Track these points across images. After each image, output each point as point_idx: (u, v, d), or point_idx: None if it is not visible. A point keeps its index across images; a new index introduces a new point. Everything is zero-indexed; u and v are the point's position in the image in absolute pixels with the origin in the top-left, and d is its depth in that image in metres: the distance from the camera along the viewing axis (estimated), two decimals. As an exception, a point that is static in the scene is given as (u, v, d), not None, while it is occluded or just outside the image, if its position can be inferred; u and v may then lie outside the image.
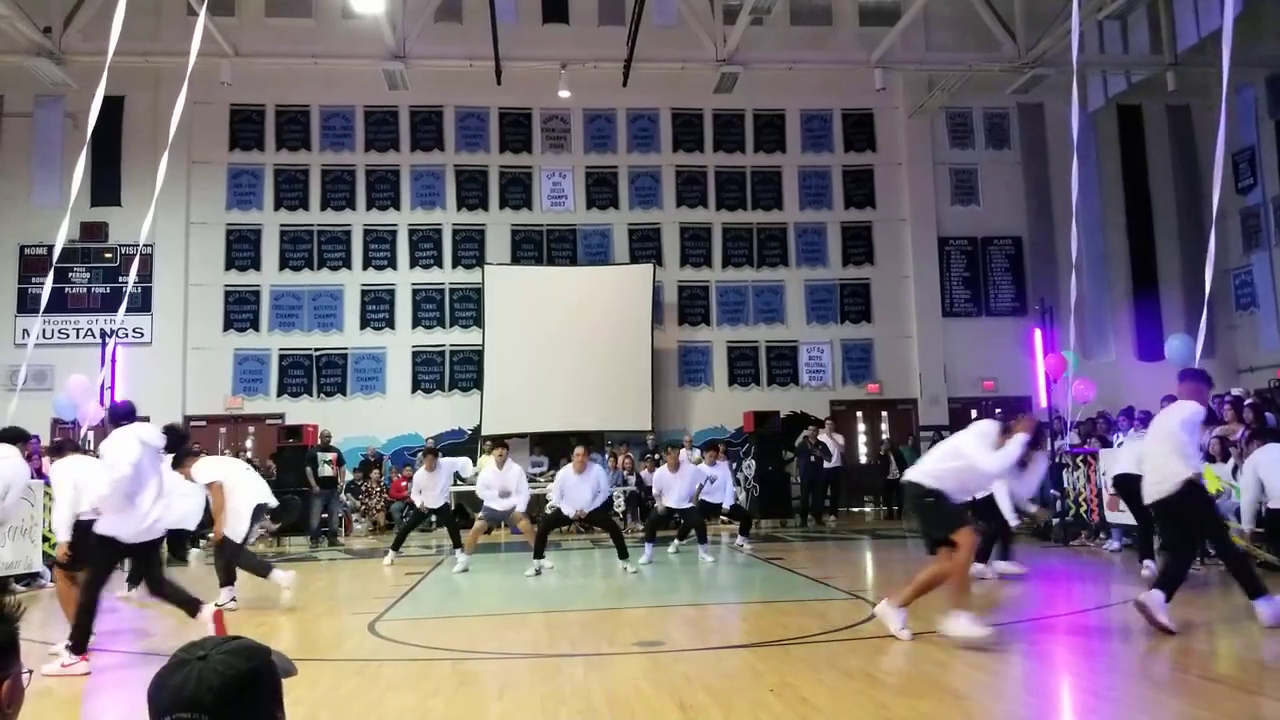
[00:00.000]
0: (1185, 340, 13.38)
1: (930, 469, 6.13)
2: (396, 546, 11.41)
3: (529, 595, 8.97)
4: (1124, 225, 19.56)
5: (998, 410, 17.99)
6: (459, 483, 16.90)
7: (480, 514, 10.82)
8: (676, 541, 11.68)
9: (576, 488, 10.17)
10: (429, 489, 11.22)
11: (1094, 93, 19.27)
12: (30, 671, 1.51)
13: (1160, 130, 19.69)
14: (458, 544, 10.90)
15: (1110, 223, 19.42)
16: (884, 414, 19.20)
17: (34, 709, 4.38)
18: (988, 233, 19.41)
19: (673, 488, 11.13)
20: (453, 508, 16.73)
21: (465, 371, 18.18)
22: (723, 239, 18.98)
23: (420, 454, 11.33)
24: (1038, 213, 19.31)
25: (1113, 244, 19.43)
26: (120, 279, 17.09)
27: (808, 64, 17.68)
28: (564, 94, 17.30)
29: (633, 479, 16.03)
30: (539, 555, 9.97)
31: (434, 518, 11.70)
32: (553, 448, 16.91)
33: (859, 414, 18.97)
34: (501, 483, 10.71)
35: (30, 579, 9.61)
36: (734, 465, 14.57)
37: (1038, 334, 16.94)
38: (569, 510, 10.19)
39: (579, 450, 10.42)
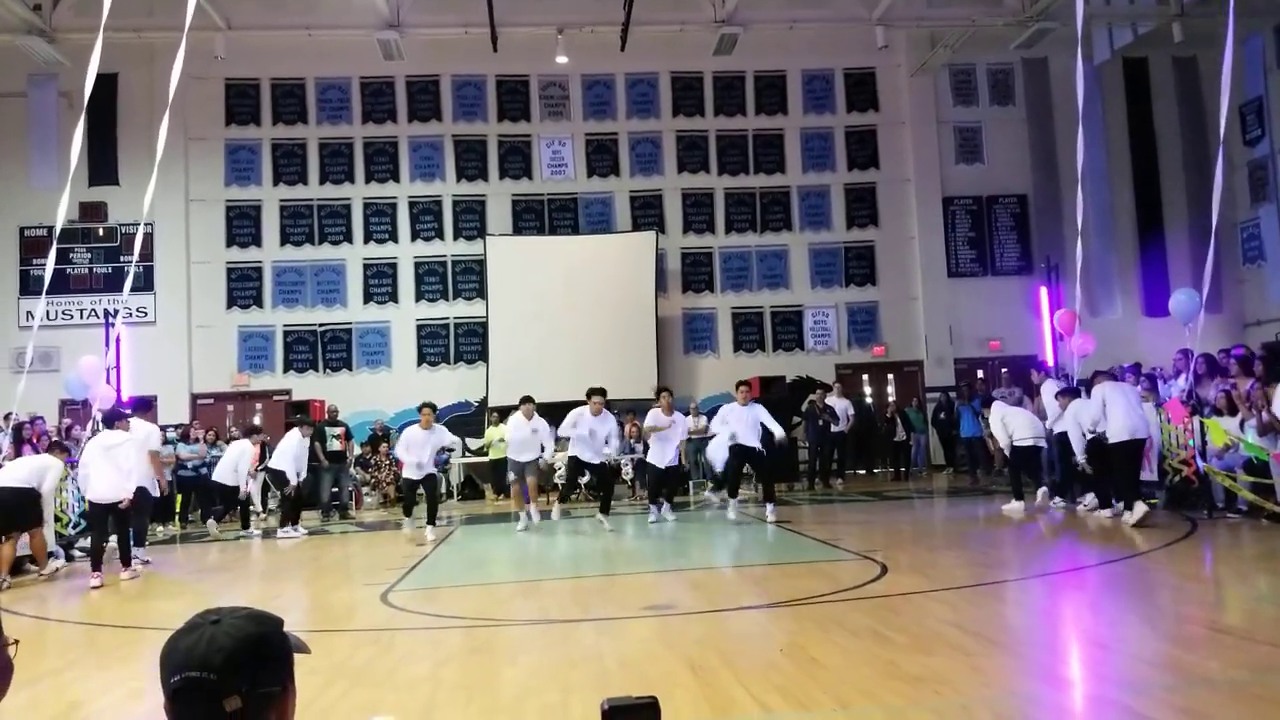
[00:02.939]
0: (1190, 294, 13.32)
1: None
2: (408, 512, 11.41)
3: (539, 563, 9.05)
4: (1130, 180, 19.42)
5: (1004, 370, 18.03)
6: (467, 454, 17.02)
7: (510, 472, 11.47)
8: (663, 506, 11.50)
9: (592, 427, 10.64)
10: (420, 449, 10.70)
11: (1099, 46, 19.05)
12: (16, 642, 1.53)
13: (1166, 83, 19.48)
14: (430, 519, 10.80)
15: (1116, 178, 19.28)
16: (890, 376, 19.18)
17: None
18: (993, 191, 19.29)
19: (666, 435, 11.16)
20: (461, 479, 16.99)
21: (470, 344, 18.20)
22: (725, 204, 18.89)
23: (418, 409, 11.02)
24: (1043, 170, 19.17)
25: (1119, 199, 19.31)
26: (122, 259, 17.10)
27: (808, 22, 17.50)
28: (561, 60, 17.17)
29: (640, 447, 16.06)
30: (564, 498, 10.90)
31: (421, 489, 11.02)
32: (559, 418, 16.90)
33: (865, 377, 18.96)
34: (530, 431, 11.30)
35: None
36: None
37: (1044, 292, 16.87)
38: (587, 454, 10.48)
39: (596, 399, 10.76)
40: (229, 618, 1.44)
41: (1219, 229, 9.91)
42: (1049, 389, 11.39)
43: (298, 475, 12.44)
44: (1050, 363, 15.11)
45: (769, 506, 10.63)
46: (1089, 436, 9.93)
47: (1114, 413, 9.33)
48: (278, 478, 12.51)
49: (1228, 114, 9.52)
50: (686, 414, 16.18)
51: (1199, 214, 18.28)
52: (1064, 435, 10.64)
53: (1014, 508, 10.81)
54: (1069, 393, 10.72)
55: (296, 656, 1.50)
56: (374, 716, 1.27)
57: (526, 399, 11.80)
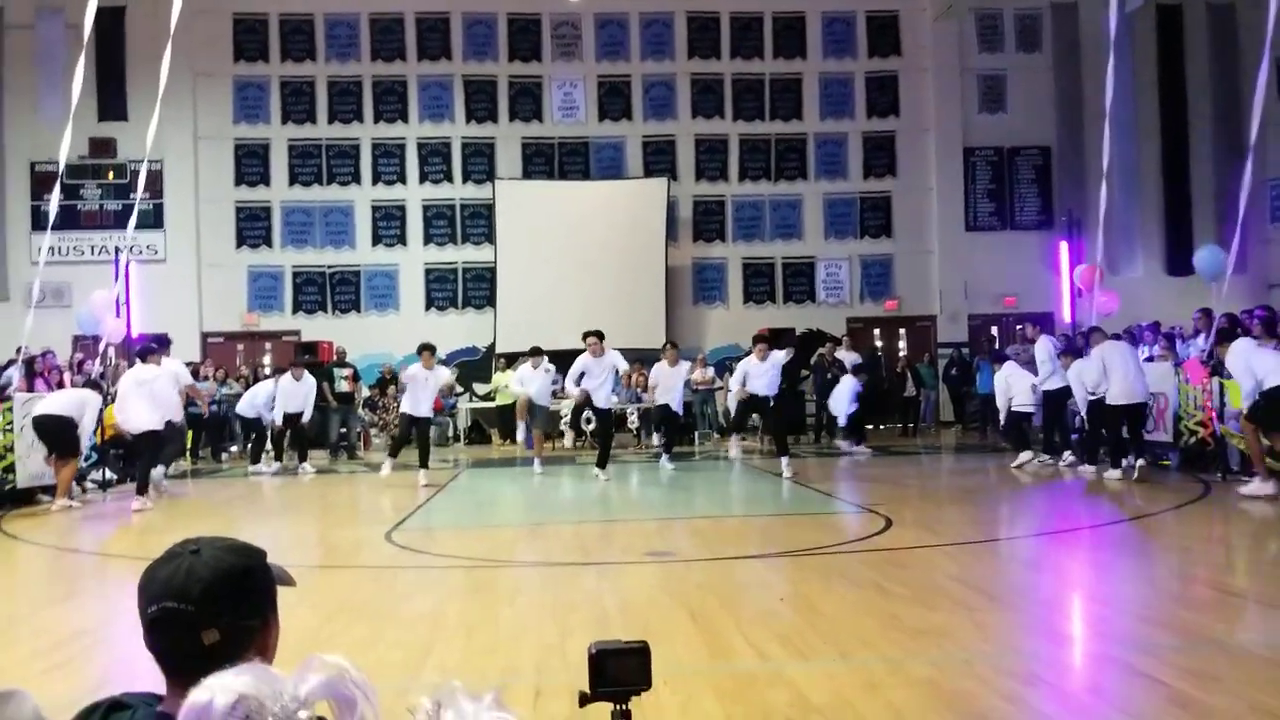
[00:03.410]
0: (1214, 251, 13.14)
1: None
2: (395, 453, 11.03)
3: (543, 507, 9.10)
4: (1157, 134, 18.92)
5: (1019, 327, 17.87)
6: (474, 399, 17.05)
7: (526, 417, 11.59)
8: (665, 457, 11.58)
9: (595, 369, 10.63)
10: (422, 390, 10.58)
11: (1133, -9, 18.53)
12: None
13: (1200, 33, 18.90)
14: (423, 462, 10.73)
15: (1143, 132, 18.81)
16: (902, 331, 19.04)
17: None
18: (1015, 142, 18.91)
19: (669, 386, 11.35)
20: (468, 424, 17.03)
21: (478, 289, 18.12)
22: (739, 151, 18.61)
23: (418, 351, 10.77)
24: (1068, 121, 18.74)
25: (1145, 154, 18.88)
26: (131, 195, 17.01)
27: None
28: (574, -3, 16.85)
29: (647, 396, 16.05)
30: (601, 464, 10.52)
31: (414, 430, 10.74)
32: (566, 365, 16.89)
33: (876, 331, 18.83)
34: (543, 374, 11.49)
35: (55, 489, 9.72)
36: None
37: (1064, 246, 16.65)
38: (596, 395, 10.61)
39: (593, 340, 10.73)
40: (209, 548, 1.40)
41: (1250, 186, 9.70)
42: (1043, 346, 11.25)
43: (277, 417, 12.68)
44: (1068, 319, 14.96)
45: (784, 460, 10.43)
46: (1091, 397, 9.89)
47: (1114, 376, 9.33)
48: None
49: (1268, 68, 9.27)
50: (693, 364, 16.21)
51: (1227, 171, 17.90)
52: (1053, 393, 10.72)
53: (1024, 457, 10.81)
54: (1071, 352, 10.68)
55: (288, 590, 1.47)
56: (315, 654, 1.21)
57: (537, 351, 11.86)
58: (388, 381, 16.50)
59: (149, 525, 8.01)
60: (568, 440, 15.53)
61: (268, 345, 17.53)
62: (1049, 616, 4.68)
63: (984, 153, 18.89)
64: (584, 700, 1.46)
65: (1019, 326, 15.64)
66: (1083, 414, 10.29)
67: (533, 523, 8.08)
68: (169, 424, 9.57)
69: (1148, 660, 3.69)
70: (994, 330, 17.77)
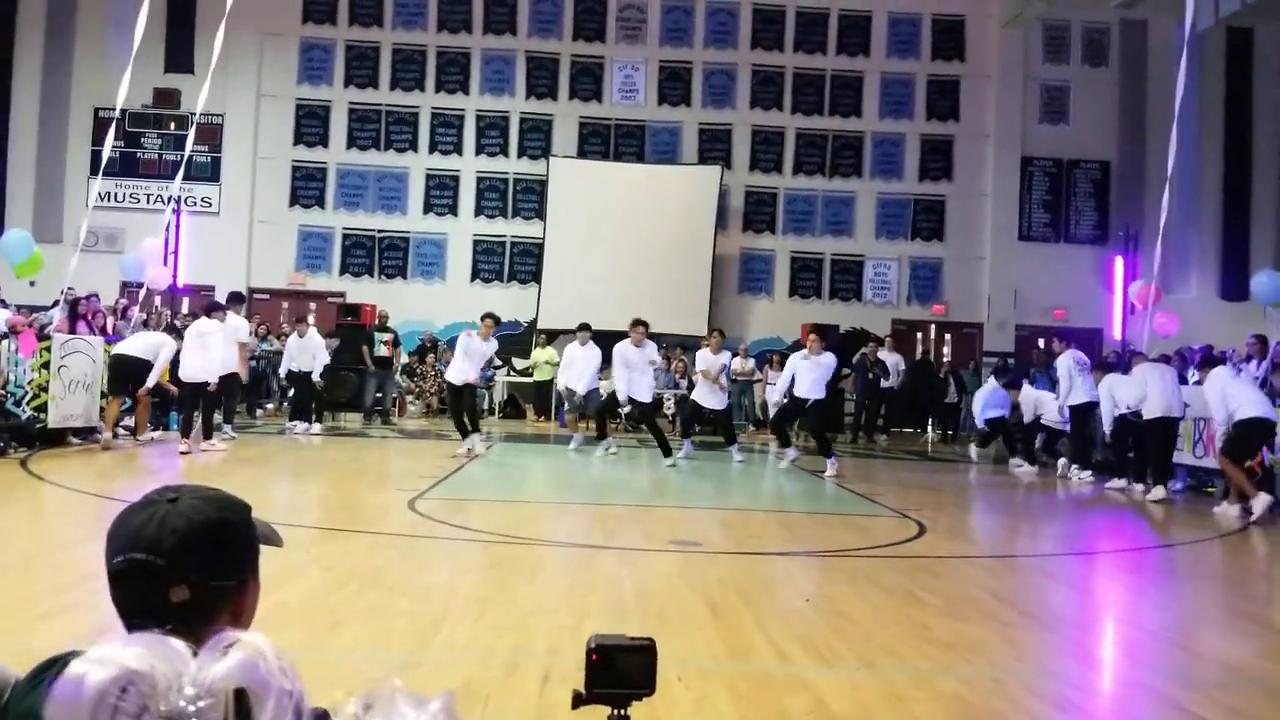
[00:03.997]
0: (1273, 276, 12.67)
1: None
2: (468, 430, 10.48)
3: (570, 485, 8.96)
4: (1220, 156, 18.41)
5: (1040, 342, 17.37)
6: (512, 373, 16.96)
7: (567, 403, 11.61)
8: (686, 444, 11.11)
9: (632, 361, 10.56)
10: (477, 359, 10.43)
11: (1204, 11, 17.82)
12: None
13: (1271, 56, 18.34)
14: (474, 428, 10.59)
15: (1205, 153, 18.27)
16: (947, 336, 18.67)
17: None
18: (1074, 155, 18.45)
19: (707, 364, 10.95)
20: (505, 398, 16.95)
21: (524, 263, 18.02)
22: (795, 144, 18.31)
23: (481, 319, 10.71)
24: (1129, 137, 18.27)
25: (1206, 176, 18.32)
26: (190, 147, 17.11)
27: (901, -38, 16.70)
28: (642, -21, 16.61)
29: (685, 383, 15.86)
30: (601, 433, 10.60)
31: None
32: (608, 345, 16.75)
33: (919, 334, 18.46)
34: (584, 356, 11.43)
35: (87, 433, 9.78)
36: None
37: (1119, 262, 16.23)
38: (636, 386, 10.50)
39: (639, 329, 10.65)
40: (189, 497, 1.24)
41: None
42: (1064, 361, 11.05)
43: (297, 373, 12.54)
44: (1118, 336, 14.52)
45: (829, 461, 10.13)
46: (1124, 413, 9.71)
47: (1151, 391, 9.19)
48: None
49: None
50: (735, 355, 15.97)
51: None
52: (1080, 408, 10.66)
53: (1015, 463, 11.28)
54: (1106, 367, 10.67)
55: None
56: (231, 631, 1.04)
57: (584, 327, 11.76)
58: (427, 349, 16.47)
59: (173, 475, 7.97)
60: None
61: (312, 305, 17.54)
62: (1084, 638, 4.44)
63: (1042, 163, 18.45)
64: (578, 701, 1.27)
65: (1040, 342, 15.12)
66: (1105, 430, 10.17)
67: (559, 501, 7.95)
68: (228, 377, 9.97)
69: (1187, 694, 3.46)
70: (1042, 342, 17.33)
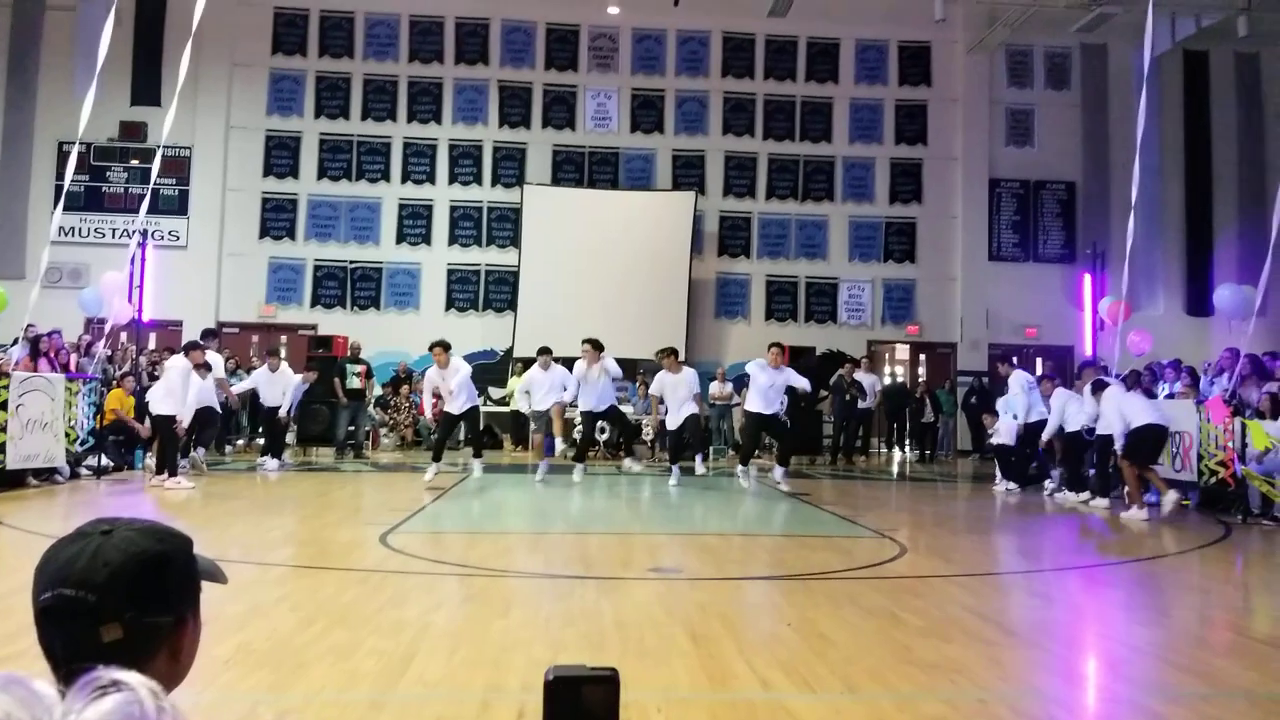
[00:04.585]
0: (1235, 290, 12.86)
1: None
2: (438, 455, 10.56)
3: (548, 515, 8.82)
4: (1181, 175, 18.73)
5: (1041, 359, 17.52)
6: (489, 403, 16.82)
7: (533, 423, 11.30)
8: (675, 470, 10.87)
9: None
10: (443, 385, 10.30)
11: (1160, 36, 18.12)
12: None
13: (1226, 78, 18.75)
14: (479, 453, 10.72)
15: (1167, 173, 18.57)
16: (921, 356, 18.75)
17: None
18: (1041, 176, 18.68)
19: (675, 392, 10.69)
20: (481, 428, 16.76)
21: (500, 292, 17.93)
22: (768, 169, 18.41)
23: (430, 349, 10.47)
24: (1093, 158, 18.55)
25: (1168, 194, 18.61)
26: (158, 181, 16.94)
27: (866, -11, 16.87)
28: (613, 10, 16.70)
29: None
30: (580, 457, 10.63)
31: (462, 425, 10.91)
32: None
33: (895, 354, 18.53)
34: (547, 381, 11.20)
35: (48, 474, 9.53)
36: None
37: (1088, 280, 16.41)
38: (591, 403, 10.42)
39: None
40: (125, 529, 1.15)
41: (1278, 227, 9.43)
42: (1017, 380, 11.38)
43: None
44: (1089, 353, 14.62)
45: (780, 470, 10.25)
46: (1076, 430, 10.19)
47: (1133, 406, 9.25)
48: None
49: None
50: (713, 380, 15.92)
51: (1250, 213, 17.67)
52: (1034, 425, 10.95)
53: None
54: (1050, 378, 11.26)
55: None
56: (103, 670, 0.95)
57: (544, 351, 11.64)
58: (402, 380, 16.30)
59: (137, 514, 7.79)
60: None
61: (283, 338, 17.37)
62: (1068, 655, 4.39)
63: (1010, 184, 18.66)
64: None
65: (1001, 364, 15.11)
66: (1044, 439, 10.60)
67: (536, 531, 7.83)
68: (203, 411, 10.43)
69: (1173, 708, 3.42)
70: (1014, 360, 17.42)
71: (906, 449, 17.20)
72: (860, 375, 15.79)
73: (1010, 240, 18.64)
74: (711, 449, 15.34)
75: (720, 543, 7.31)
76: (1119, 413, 9.19)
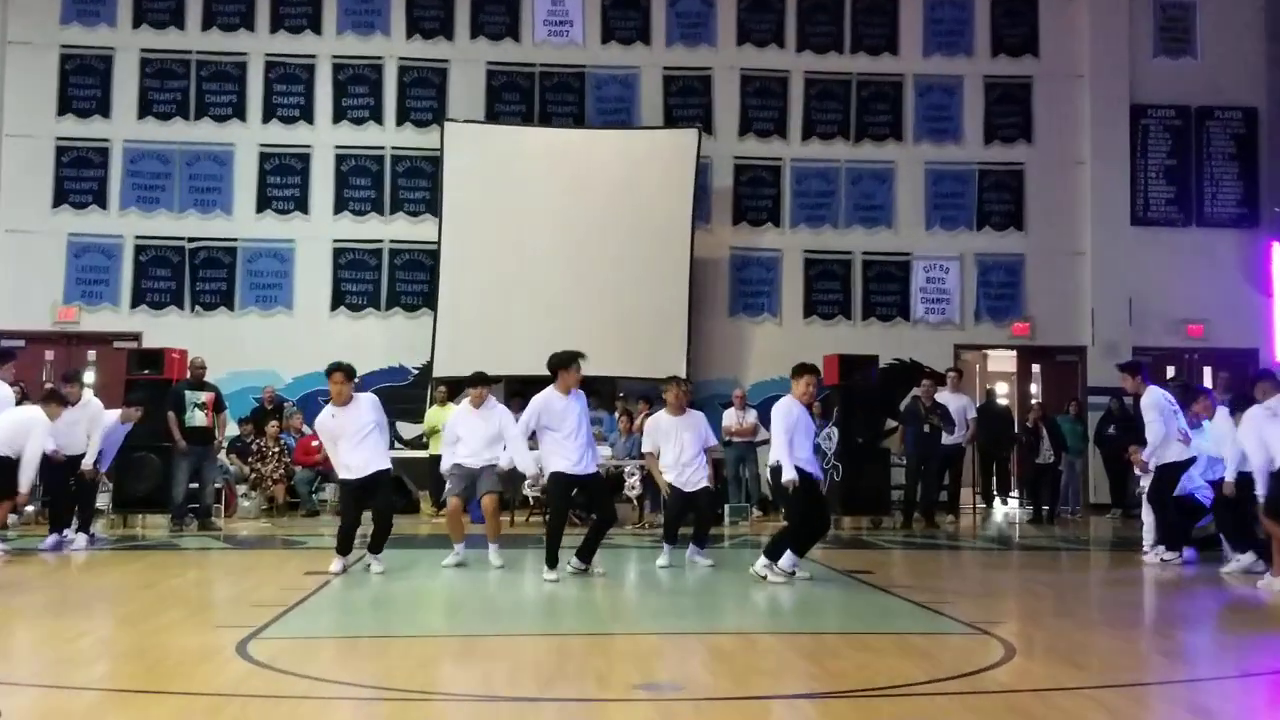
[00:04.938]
0: None
1: None
2: (345, 549, 10.33)
3: (483, 611, 8.90)
4: None
5: (1211, 370, 17.66)
6: (398, 445, 16.85)
7: (448, 485, 10.83)
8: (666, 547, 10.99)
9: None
10: (345, 434, 10.15)
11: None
12: None
13: None
14: (379, 545, 10.37)
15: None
16: (1034, 368, 18.88)
17: None
18: (1207, 100, 18.99)
19: (672, 439, 10.72)
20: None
21: (412, 281, 18.08)
22: (805, 96, 18.65)
23: (327, 374, 10.37)
24: (1285, 73, 18.82)
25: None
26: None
27: None
28: None
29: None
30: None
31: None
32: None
33: (993, 366, 18.68)
34: (483, 429, 10.70)
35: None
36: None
37: (1276, 251, 16.55)
38: (566, 461, 10.04)
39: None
40: None
41: None
42: (1150, 400, 11.49)
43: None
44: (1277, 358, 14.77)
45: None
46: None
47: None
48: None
49: None
50: (729, 406, 15.97)
51: None
52: (1167, 468, 11.27)
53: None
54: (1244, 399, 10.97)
55: None
56: None
57: (479, 378, 11.24)
58: (268, 414, 16.30)
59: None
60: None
61: (90, 353, 17.35)
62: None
63: (1162, 113, 18.98)
64: None
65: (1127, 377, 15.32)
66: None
67: (465, 633, 7.85)
68: None
69: None
70: (1170, 371, 17.58)
71: (1013, 503, 17.30)
72: (944, 396, 15.89)
73: (1163, 195, 18.91)
74: (727, 507, 15.42)
75: (738, 646, 7.36)
76: (1260, 444, 9.49)
